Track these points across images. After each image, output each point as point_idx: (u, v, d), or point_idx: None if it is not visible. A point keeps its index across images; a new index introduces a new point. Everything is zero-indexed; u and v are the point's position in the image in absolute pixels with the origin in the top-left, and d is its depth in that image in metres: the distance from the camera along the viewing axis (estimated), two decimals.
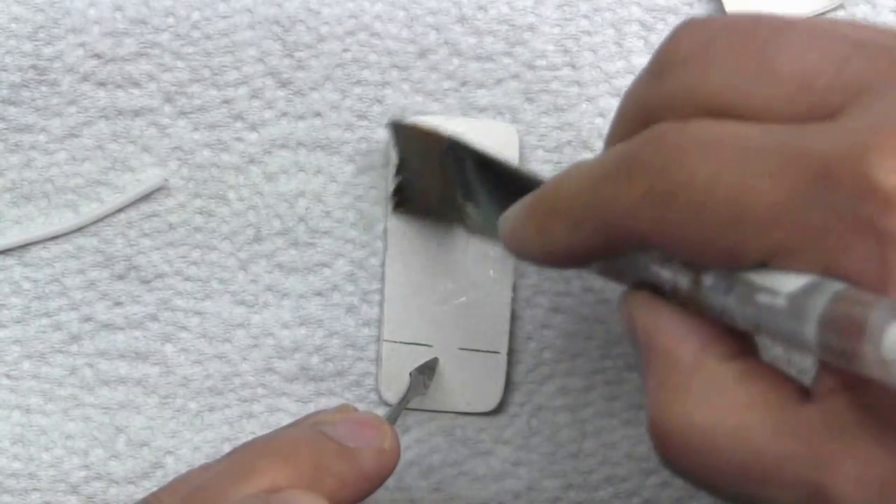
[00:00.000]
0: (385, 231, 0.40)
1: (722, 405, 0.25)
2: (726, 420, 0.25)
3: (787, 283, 0.23)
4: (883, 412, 0.23)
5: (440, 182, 0.38)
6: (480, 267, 0.40)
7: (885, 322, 0.20)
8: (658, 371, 0.26)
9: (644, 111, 0.26)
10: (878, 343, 0.20)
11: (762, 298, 0.23)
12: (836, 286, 0.22)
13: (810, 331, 0.22)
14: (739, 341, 0.26)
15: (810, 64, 0.24)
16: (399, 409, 0.37)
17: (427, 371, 0.39)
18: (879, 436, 0.23)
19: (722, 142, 0.24)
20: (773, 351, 0.28)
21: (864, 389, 0.23)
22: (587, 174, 0.27)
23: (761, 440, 0.24)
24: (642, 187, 0.25)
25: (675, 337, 0.26)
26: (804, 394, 0.25)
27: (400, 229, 0.40)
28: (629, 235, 0.26)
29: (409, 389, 0.39)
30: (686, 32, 0.26)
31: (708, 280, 0.25)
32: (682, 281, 0.26)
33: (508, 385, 0.40)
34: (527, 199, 0.30)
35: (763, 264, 0.23)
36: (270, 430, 0.40)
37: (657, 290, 0.27)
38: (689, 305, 0.26)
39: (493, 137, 0.39)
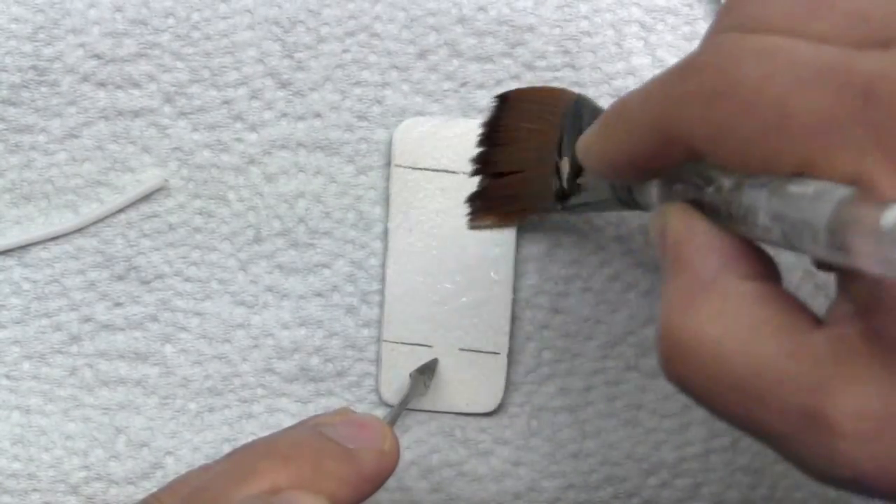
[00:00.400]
0: (385, 232, 0.40)
1: (734, 320, 0.25)
2: (736, 335, 0.25)
3: (819, 183, 0.23)
4: (893, 342, 0.23)
5: (539, 142, 0.38)
6: (481, 268, 0.40)
7: (884, 207, 0.21)
8: (678, 279, 0.26)
9: (712, 34, 0.27)
10: (875, 228, 0.21)
11: (792, 188, 0.24)
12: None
13: (822, 221, 0.22)
14: (762, 264, 0.26)
15: (867, 0, 0.25)
16: (399, 411, 0.37)
17: (427, 372, 0.39)
18: (887, 366, 0.23)
19: (776, 51, 0.24)
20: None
21: (877, 317, 0.23)
22: (648, 82, 0.28)
23: (766, 358, 0.24)
24: (694, 85, 0.25)
25: (701, 248, 0.26)
26: (817, 323, 0.25)
27: (400, 230, 0.40)
28: (678, 134, 0.26)
29: (409, 390, 0.39)
30: None
31: (749, 180, 0.25)
32: (726, 181, 0.26)
33: (508, 385, 0.40)
34: (598, 121, 0.31)
35: (799, 174, 0.24)
36: (270, 431, 0.40)
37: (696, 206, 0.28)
38: (724, 218, 0.27)
39: None
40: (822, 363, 0.23)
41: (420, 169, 0.40)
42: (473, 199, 0.40)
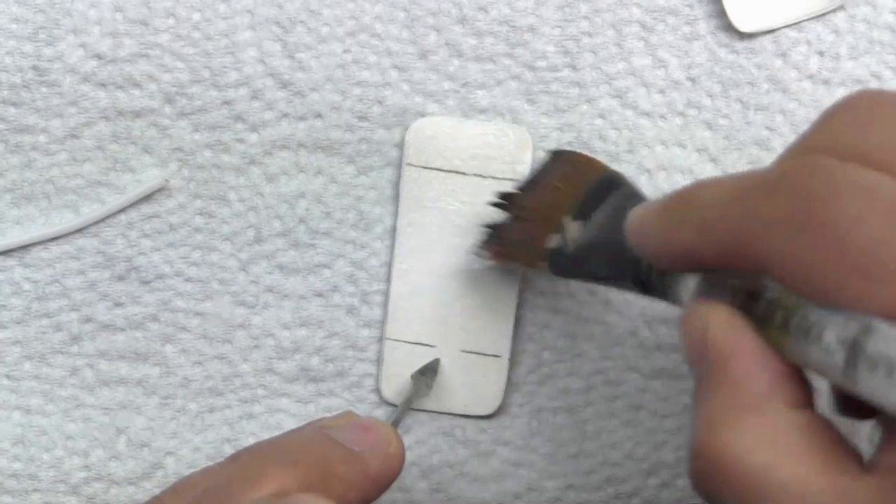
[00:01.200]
0: (393, 229, 0.40)
1: (782, 449, 0.24)
2: (784, 466, 0.24)
3: None
4: None
5: (557, 199, 0.38)
6: (486, 271, 0.40)
7: None
8: (723, 395, 0.25)
9: (805, 150, 0.26)
10: None
11: (874, 321, 0.23)
12: None
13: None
14: (807, 391, 0.26)
15: None
16: (402, 412, 0.37)
17: (429, 373, 0.39)
18: None
19: (876, 189, 0.24)
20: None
21: None
22: (730, 182, 0.27)
23: (816, 497, 0.24)
24: (786, 207, 0.25)
25: (751, 365, 0.25)
26: (862, 464, 0.24)
27: (408, 229, 0.40)
28: (755, 252, 0.25)
29: (411, 391, 0.39)
30: (860, 96, 0.27)
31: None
32: (790, 298, 0.25)
33: (509, 386, 0.40)
34: (663, 197, 0.30)
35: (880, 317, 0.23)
36: (270, 431, 0.40)
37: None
38: (776, 328, 0.26)
39: (506, 140, 0.40)
40: None
41: (431, 169, 0.40)
42: (487, 229, 0.39)
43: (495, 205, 0.39)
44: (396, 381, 0.40)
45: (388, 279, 0.40)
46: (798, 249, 0.24)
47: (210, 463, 0.40)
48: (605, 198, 0.37)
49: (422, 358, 0.40)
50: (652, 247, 0.29)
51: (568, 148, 0.40)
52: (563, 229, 0.37)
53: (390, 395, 0.40)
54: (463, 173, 0.40)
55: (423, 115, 0.40)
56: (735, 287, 0.27)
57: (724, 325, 0.26)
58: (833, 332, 0.24)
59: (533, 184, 0.39)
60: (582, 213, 0.37)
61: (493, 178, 0.40)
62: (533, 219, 0.38)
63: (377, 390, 0.40)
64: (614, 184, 0.37)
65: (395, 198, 0.40)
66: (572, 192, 0.37)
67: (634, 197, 0.36)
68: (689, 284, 0.30)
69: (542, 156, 0.40)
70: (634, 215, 0.31)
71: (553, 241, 0.37)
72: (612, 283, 0.36)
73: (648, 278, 0.32)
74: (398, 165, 0.40)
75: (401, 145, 0.40)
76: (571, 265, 0.37)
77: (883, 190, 0.24)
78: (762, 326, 0.26)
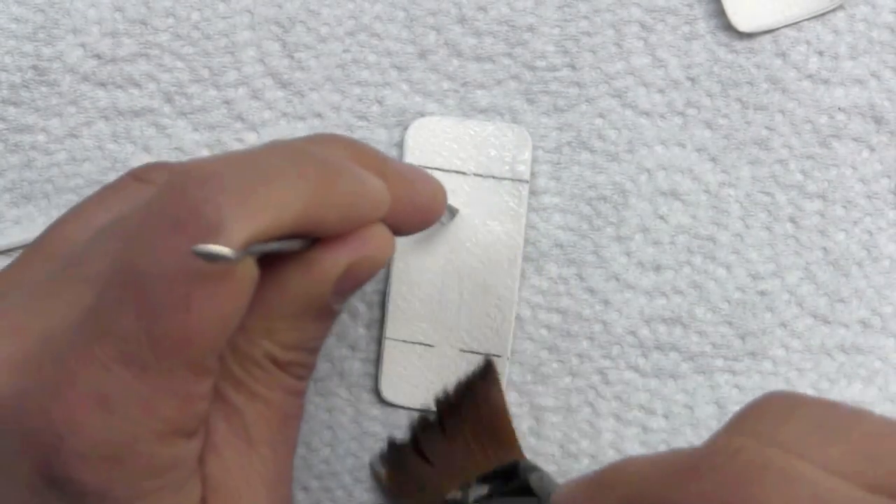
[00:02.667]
0: None
1: None
2: None
3: None
4: None
5: (467, 462, 0.38)
6: (486, 270, 0.40)
7: None
8: None
9: (726, 435, 0.27)
10: None
11: None
12: None
13: None
14: None
15: (884, 446, 0.25)
16: None
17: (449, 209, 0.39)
18: None
19: (798, 476, 0.24)
20: None
21: None
22: (654, 459, 0.27)
23: None
24: (709, 486, 0.25)
25: None
26: None
27: None
28: None
29: None
30: (776, 397, 0.27)
31: None
32: None
33: (509, 386, 0.40)
34: (590, 473, 0.30)
35: None
36: None
37: None
38: None
39: (506, 140, 0.40)
40: None
41: (431, 168, 0.40)
42: (392, 445, 0.40)
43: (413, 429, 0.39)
44: (396, 380, 0.40)
45: (388, 279, 0.40)
46: None
47: None
48: (512, 478, 0.37)
49: (422, 357, 0.40)
50: None
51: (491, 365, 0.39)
52: (467, 489, 0.37)
53: (390, 395, 0.40)
54: (463, 173, 0.40)
55: (422, 114, 0.40)
56: None
57: None
58: None
59: (446, 424, 0.39)
60: (487, 480, 0.37)
61: (493, 177, 0.40)
62: (440, 469, 0.38)
63: (376, 390, 0.40)
64: (528, 468, 0.37)
65: None
66: (484, 460, 0.38)
67: (546, 479, 0.36)
68: None
69: (538, 154, 0.40)
70: (562, 490, 0.31)
71: (453, 495, 0.37)
72: None
73: None
74: None
75: (400, 145, 0.40)
76: None
77: (804, 477, 0.24)
78: None
